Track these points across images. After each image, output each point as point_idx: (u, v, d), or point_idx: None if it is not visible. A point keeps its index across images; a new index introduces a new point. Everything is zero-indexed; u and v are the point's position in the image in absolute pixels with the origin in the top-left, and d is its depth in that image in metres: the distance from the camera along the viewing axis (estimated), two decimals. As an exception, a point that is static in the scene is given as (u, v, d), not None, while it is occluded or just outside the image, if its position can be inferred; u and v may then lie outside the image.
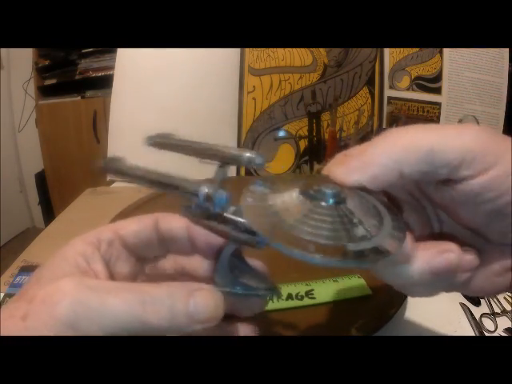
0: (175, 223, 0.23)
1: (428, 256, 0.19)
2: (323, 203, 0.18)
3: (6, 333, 0.16)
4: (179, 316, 0.18)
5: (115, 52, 0.72)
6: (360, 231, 0.17)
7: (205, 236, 0.23)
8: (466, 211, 0.19)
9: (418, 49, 0.66)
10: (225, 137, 0.68)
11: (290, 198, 0.18)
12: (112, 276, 0.21)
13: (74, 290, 0.17)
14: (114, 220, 0.44)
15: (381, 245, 0.17)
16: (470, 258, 0.19)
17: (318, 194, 0.18)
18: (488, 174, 0.18)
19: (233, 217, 0.18)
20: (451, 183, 0.18)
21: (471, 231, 0.20)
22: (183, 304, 0.18)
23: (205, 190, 0.18)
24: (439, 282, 0.20)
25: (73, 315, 0.16)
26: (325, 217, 0.17)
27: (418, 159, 0.18)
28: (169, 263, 0.24)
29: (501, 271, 0.20)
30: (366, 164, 0.19)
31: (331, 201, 0.18)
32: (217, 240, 0.23)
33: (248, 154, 0.18)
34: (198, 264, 0.24)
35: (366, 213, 0.18)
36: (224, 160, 0.19)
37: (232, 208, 0.18)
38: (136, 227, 0.23)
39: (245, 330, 0.21)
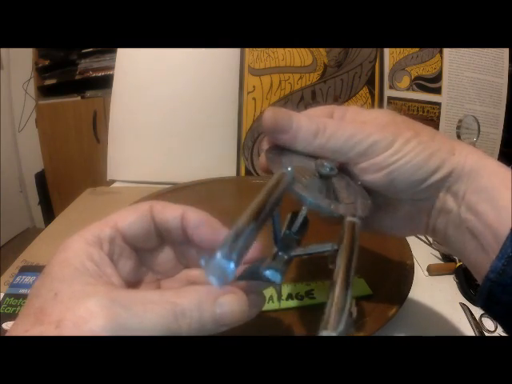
0: (169, 213, 0.23)
1: None
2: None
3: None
4: (207, 323, 0.18)
5: (115, 52, 0.72)
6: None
7: (198, 226, 0.23)
8: (367, 181, 0.26)
9: (418, 49, 0.66)
10: (225, 137, 0.68)
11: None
12: (119, 274, 0.21)
13: (108, 312, 0.16)
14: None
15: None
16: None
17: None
18: (367, 161, 0.25)
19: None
20: (351, 165, 0.26)
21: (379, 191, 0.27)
22: (210, 312, 0.18)
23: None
24: None
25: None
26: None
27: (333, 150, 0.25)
28: (167, 253, 0.24)
29: (404, 215, 0.28)
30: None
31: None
32: (209, 231, 0.23)
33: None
34: (195, 253, 0.24)
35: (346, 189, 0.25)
36: None
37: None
38: (134, 218, 0.22)
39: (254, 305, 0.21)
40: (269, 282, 0.22)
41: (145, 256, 0.24)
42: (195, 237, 0.23)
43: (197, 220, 0.23)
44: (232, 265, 0.16)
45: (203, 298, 0.18)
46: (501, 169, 0.24)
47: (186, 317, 0.18)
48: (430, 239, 0.51)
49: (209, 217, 0.23)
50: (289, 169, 0.22)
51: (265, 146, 0.27)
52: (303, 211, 0.23)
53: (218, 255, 0.16)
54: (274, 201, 0.20)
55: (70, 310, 0.16)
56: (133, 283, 0.23)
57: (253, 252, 0.22)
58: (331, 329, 0.16)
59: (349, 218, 0.22)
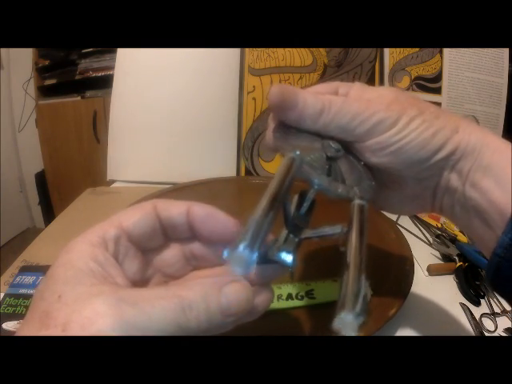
0: (174, 209, 0.23)
1: None
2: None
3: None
4: (215, 314, 0.18)
5: (115, 52, 0.72)
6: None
7: (204, 219, 0.23)
8: (371, 160, 0.26)
9: (418, 49, 0.66)
10: (225, 137, 0.68)
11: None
12: (125, 275, 0.20)
13: (115, 311, 0.16)
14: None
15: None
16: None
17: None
18: (372, 139, 0.25)
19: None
20: (356, 143, 0.26)
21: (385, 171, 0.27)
22: (216, 302, 0.18)
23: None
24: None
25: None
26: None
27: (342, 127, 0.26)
28: (174, 252, 0.24)
29: (410, 194, 0.28)
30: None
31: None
32: (217, 222, 0.23)
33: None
34: (203, 249, 0.24)
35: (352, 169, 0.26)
36: None
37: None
38: (138, 217, 0.22)
39: (263, 298, 0.21)
40: (281, 265, 0.22)
41: (151, 256, 0.23)
42: (203, 230, 0.23)
43: (203, 213, 0.23)
44: (255, 255, 0.16)
45: (208, 289, 0.18)
46: (505, 146, 0.25)
47: (193, 309, 0.17)
48: (430, 239, 0.51)
49: (214, 209, 0.23)
50: (297, 152, 0.23)
51: (271, 123, 0.28)
52: (311, 194, 0.23)
53: (241, 247, 0.16)
54: (287, 187, 0.21)
55: (75, 312, 0.16)
56: (139, 285, 0.22)
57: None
58: (348, 310, 0.16)
59: (357, 201, 0.23)
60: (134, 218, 0.22)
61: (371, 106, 0.25)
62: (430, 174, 0.27)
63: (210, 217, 0.23)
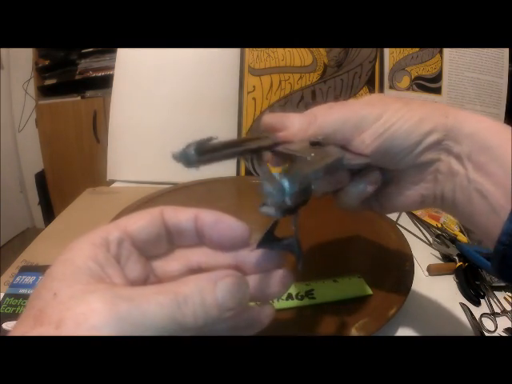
0: (182, 216, 0.23)
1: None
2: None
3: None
4: (211, 309, 0.18)
5: (115, 52, 0.72)
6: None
7: (214, 225, 0.23)
8: (368, 152, 0.27)
9: (418, 49, 0.66)
10: (225, 136, 0.67)
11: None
12: (124, 277, 0.20)
13: (110, 306, 0.16)
14: (113, 220, 0.44)
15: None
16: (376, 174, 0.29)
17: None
18: (362, 134, 0.27)
19: None
20: (351, 141, 0.28)
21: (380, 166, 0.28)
22: (212, 296, 0.18)
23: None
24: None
25: (116, 332, 0.16)
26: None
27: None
28: (178, 260, 0.24)
29: (407, 185, 0.29)
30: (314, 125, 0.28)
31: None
32: (227, 227, 0.23)
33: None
34: (211, 256, 0.24)
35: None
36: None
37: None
38: (144, 222, 0.22)
39: (266, 312, 0.22)
40: (287, 249, 0.22)
41: (155, 263, 0.23)
42: (213, 236, 0.23)
43: (212, 219, 0.23)
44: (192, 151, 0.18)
45: (204, 284, 0.18)
46: (503, 128, 0.25)
47: (188, 304, 0.17)
48: (430, 239, 0.51)
49: (223, 214, 0.23)
50: None
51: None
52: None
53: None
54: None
55: (70, 310, 0.16)
56: None
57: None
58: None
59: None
60: (140, 222, 0.21)
61: (353, 106, 0.28)
62: (426, 160, 0.27)
63: (219, 222, 0.23)
